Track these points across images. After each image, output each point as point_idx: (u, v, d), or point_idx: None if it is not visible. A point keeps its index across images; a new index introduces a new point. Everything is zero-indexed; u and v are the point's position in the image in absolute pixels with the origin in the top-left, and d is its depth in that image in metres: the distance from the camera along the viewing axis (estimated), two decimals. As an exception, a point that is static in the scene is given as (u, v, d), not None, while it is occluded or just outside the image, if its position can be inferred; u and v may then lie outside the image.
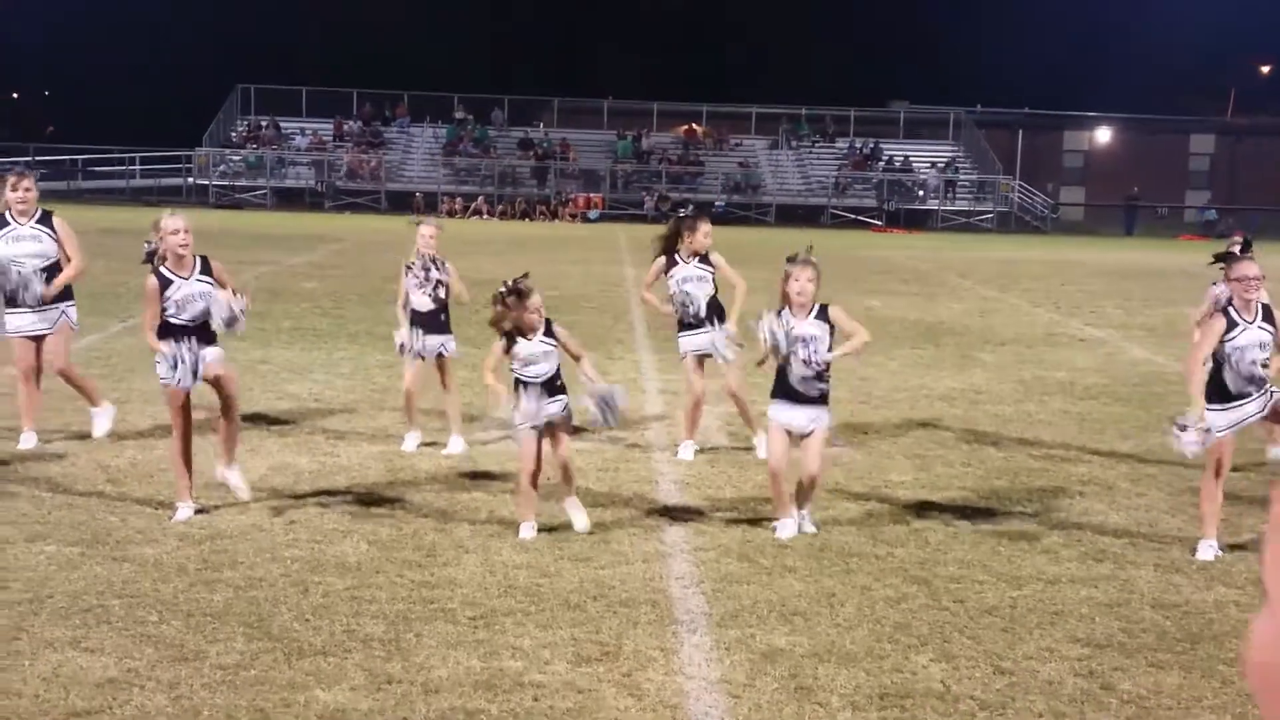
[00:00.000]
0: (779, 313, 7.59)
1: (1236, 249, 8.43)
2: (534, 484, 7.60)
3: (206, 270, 7.76)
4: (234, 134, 57.69)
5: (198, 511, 7.77)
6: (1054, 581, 6.94)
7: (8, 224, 9.51)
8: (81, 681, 5.27)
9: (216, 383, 7.91)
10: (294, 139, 57.85)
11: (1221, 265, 8.16)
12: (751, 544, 7.46)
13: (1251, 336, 7.42)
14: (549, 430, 7.60)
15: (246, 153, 56.10)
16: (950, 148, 61.59)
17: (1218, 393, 7.50)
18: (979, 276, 27.62)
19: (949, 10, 78.71)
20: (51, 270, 9.57)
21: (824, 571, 7.00)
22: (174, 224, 7.66)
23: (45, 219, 9.61)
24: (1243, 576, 7.11)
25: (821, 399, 7.64)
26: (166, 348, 7.51)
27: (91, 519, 7.65)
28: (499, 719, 5.04)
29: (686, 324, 9.76)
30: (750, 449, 9.88)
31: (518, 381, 7.58)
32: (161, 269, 7.65)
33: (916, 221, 54.60)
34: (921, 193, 58.12)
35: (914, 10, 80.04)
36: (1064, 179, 67.05)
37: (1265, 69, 77.94)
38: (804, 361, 7.50)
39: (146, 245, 7.76)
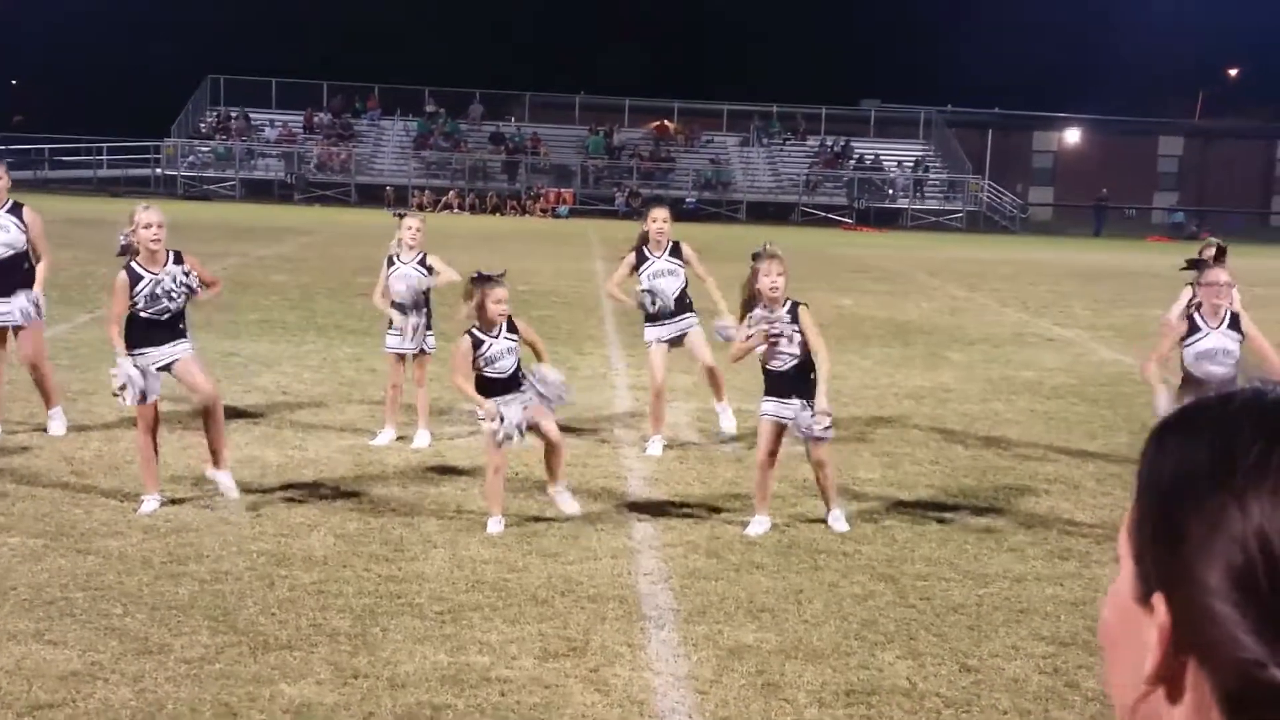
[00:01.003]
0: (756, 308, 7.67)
1: (1210, 254, 8.50)
2: (501, 476, 7.62)
3: (179, 264, 7.72)
4: (203, 125, 57.23)
5: (164, 504, 7.73)
6: (1020, 579, 6.98)
7: None
8: (45, 674, 5.24)
9: (191, 388, 7.88)
10: (263, 130, 57.44)
11: (1193, 269, 8.22)
12: (720, 540, 7.48)
13: (1214, 342, 7.46)
14: (529, 419, 7.63)
15: (215, 144, 55.70)
16: (921, 147, 61.75)
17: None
18: (948, 276, 27.72)
19: (921, 10, 78.95)
20: (15, 260, 9.46)
21: (791, 568, 7.02)
22: (148, 218, 7.65)
23: (15, 209, 9.52)
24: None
25: (808, 389, 7.67)
26: (121, 363, 7.47)
27: (56, 511, 7.59)
28: (465, 714, 5.03)
29: (654, 315, 9.82)
30: (722, 442, 9.90)
31: (480, 378, 7.59)
32: (133, 264, 7.63)
33: (886, 220, 54.72)
34: (891, 191, 58.28)
35: (886, 9, 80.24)
36: (1033, 179, 67.33)
37: (1233, 72, 78.55)
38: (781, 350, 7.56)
39: (121, 238, 7.73)
